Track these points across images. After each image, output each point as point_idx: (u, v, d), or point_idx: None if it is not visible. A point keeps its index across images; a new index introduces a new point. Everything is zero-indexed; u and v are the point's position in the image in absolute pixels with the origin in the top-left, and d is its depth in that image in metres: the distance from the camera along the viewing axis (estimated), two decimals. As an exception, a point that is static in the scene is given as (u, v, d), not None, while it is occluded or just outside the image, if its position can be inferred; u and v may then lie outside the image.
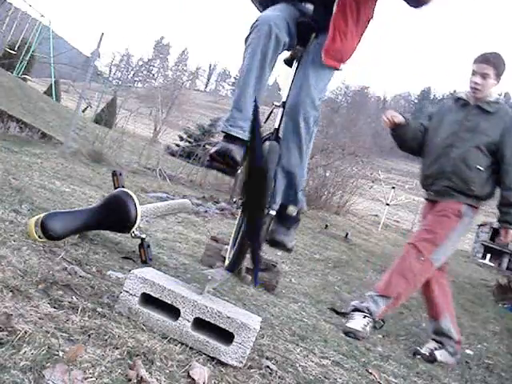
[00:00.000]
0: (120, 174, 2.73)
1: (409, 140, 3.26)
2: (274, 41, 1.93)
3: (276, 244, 2.05)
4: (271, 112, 2.22)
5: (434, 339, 3.17)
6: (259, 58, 1.91)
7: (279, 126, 2.13)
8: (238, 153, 1.88)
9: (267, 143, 2.08)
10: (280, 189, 2.08)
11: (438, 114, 3.28)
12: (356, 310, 3.05)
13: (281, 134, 2.16)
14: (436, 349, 3.10)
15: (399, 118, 3.18)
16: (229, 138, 1.93)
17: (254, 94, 1.96)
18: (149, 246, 2.44)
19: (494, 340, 4.69)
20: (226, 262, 2.24)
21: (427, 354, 3.04)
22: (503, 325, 5.79)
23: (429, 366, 2.83)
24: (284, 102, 2.13)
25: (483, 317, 5.96)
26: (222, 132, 1.99)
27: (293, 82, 2.15)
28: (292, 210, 2.08)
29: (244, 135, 1.93)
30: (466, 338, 4.28)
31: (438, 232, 3.03)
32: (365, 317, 3.01)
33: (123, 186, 2.66)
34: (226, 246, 3.32)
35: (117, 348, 1.20)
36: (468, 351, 4.08)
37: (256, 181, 1.77)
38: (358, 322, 2.94)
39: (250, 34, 1.95)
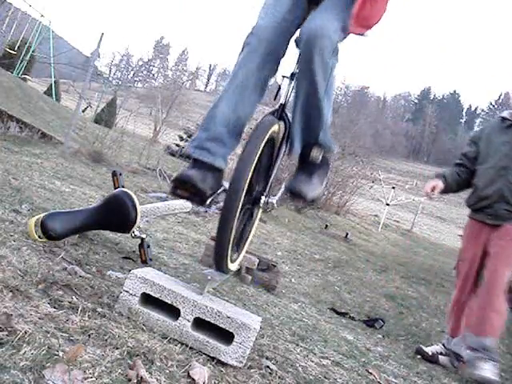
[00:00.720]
0: (120, 174, 2.73)
1: (458, 188, 3.32)
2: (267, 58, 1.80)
3: (293, 195, 1.83)
4: (279, 87, 1.97)
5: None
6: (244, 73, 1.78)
7: (286, 101, 1.93)
8: (201, 180, 1.65)
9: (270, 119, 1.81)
10: (297, 133, 1.87)
11: (484, 137, 3.28)
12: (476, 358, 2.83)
13: (287, 112, 1.95)
14: (441, 354, 3.08)
15: (439, 186, 3.21)
16: (195, 161, 1.74)
17: (229, 109, 1.78)
18: (149, 246, 2.44)
19: (493, 340, 4.68)
20: None
21: (429, 353, 3.03)
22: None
23: (429, 366, 2.83)
24: (293, 74, 1.92)
25: None
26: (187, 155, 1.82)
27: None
28: (315, 153, 1.86)
29: (212, 159, 1.73)
30: None
31: None
32: (488, 361, 2.82)
33: (123, 186, 2.67)
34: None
35: (117, 348, 1.20)
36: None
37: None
38: (488, 371, 2.79)
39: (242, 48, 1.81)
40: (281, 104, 1.92)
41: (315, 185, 1.85)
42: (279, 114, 1.90)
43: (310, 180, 1.84)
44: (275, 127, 1.81)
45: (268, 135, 1.74)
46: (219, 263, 1.60)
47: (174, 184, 1.66)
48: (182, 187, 1.65)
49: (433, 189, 3.20)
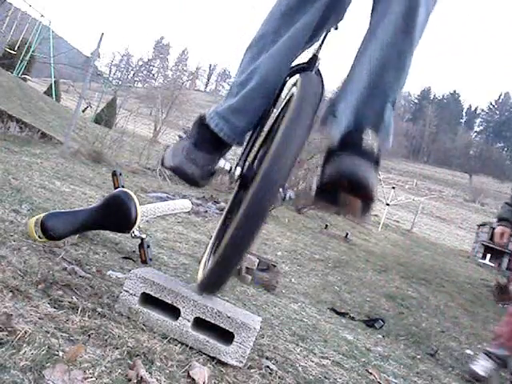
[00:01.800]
0: (120, 174, 2.73)
1: None
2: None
3: (351, 183, 1.22)
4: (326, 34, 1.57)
5: None
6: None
7: (320, 47, 1.54)
8: (200, 174, 1.48)
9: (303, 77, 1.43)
10: (352, 103, 1.33)
11: None
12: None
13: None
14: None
15: (507, 232, 3.35)
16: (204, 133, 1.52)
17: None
18: (149, 246, 2.44)
19: (494, 340, 4.68)
20: (200, 272, 1.68)
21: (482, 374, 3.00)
22: None
23: (429, 366, 2.84)
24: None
25: (483, 317, 5.96)
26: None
27: None
28: (369, 139, 1.30)
29: (232, 138, 1.52)
30: (467, 338, 4.29)
31: None
32: None
33: (123, 186, 2.67)
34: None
35: (117, 348, 1.20)
36: (468, 351, 4.08)
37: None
38: None
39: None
40: (314, 54, 1.55)
41: (373, 173, 1.25)
42: (314, 67, 1.52)
43: (366, 164, 1.25)
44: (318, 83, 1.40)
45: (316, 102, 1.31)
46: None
47: (172, 171, 1.51)
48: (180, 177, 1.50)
49: (502, 236, 3.32)
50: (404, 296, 5.52)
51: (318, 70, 1.54)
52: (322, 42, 1.56)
